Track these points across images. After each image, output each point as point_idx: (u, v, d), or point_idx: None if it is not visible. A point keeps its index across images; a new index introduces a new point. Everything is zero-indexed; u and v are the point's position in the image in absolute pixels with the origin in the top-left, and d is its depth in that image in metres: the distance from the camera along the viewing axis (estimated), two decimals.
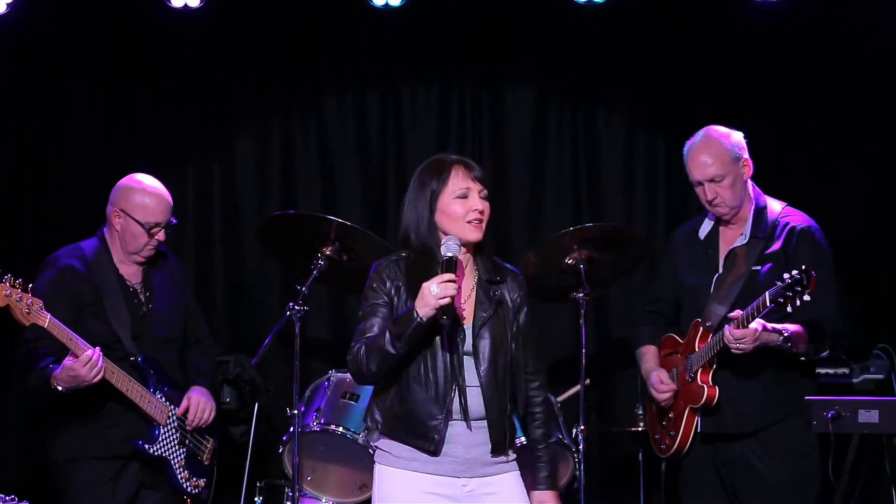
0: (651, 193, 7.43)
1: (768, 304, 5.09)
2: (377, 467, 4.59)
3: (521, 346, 4.60)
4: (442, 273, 4.36)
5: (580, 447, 6.26)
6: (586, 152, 7.47)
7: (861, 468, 6.61)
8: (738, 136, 5.56)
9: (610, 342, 7.38)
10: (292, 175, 7.49)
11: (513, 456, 4.59)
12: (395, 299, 4.52)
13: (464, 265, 4.55)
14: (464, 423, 4.47)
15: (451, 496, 4.51)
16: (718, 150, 5.50)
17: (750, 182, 5.59)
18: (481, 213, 4.50)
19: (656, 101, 7.39)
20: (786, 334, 5.23)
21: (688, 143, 5.61)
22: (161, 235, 5.70)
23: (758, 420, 5.42)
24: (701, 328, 5.52)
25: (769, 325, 5.21)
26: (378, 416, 4.57)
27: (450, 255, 4.42)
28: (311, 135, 7.50)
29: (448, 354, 4.46)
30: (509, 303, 4.59)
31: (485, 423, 4.49)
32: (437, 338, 4.47)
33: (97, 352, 5.33)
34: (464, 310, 4.52)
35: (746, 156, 5.54)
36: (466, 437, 4.48)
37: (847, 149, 7.17)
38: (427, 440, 4.46)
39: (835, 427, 5.28)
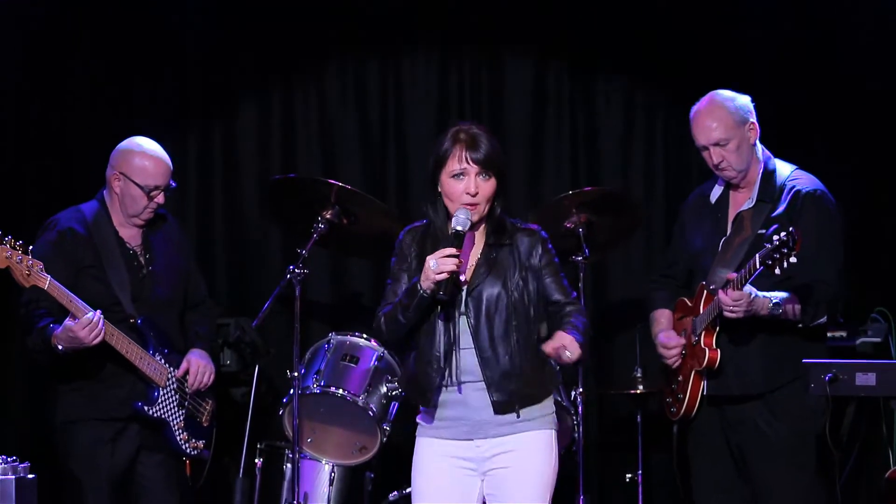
0: (649, 158, 7.42)
1: (758, 266, 5.10)
2: (417, 438, 4.70)
3: (542, 286, 4.62)
4: (449, 246, 4.42)
5: (579, 410, 6.30)
6: (585, 117, 7.47)
7: (859, 431, 6.66)
8: (743, 100, 5.55)
9: (608, 305, 7.40)
10: (293, 140, 7.49)
11: (536, 415, 4.59)
12: (414, 266, 4.60)
13: (473, 238, 4.58)
14: (469, 386, 4.52)
15: (470, 458, 4.58)
16: (723, 113, 5.49)
17: (759, 145, 5.58)
18: (473, 195, 4.50)
19: (655, 66, 7.37)
20: (775, 301, 5.25)
21: (693, 108, 5.60)
22: (161, 198, 5.71)
23: (763, 383, 5.44)
24: (705, 291, 5.53)
25: (760, 294, 5.24)
26: (401, 377, 4.73)
27: (458, 228, 4.46)
28: (312, 101, 7.50)
29: (447, 317, 4.52)
30: (514, 259, 4.60)
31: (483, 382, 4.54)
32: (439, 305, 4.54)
33: (98, 314, 5.35)
34: (467, 277, 4.56)
35: (753, 119, 5.53)
36: (473, 400, 4.54)
37: (851, 109, 7.13)
38: (422, 394, 4.57)
39: (832, 390, 5.29)
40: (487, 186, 4.53)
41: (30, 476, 5.03)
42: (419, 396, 4.60)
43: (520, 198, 7.41)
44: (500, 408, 4.53)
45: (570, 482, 6.26)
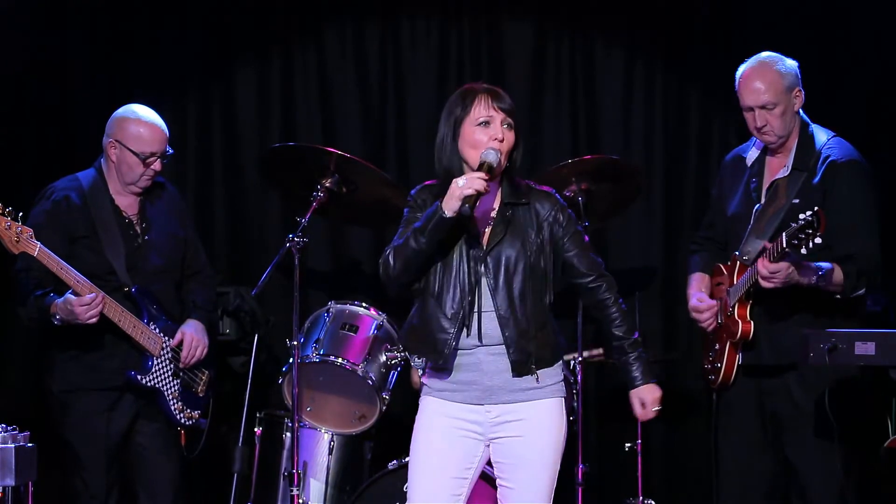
0: (649, 126, 7.40)
1: (784, 245, 5.07)
2: (420, 400, 4.70)
3: (565, 263, 4.62)
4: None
5: (578, 378, 6.30)
6: (584, 85, 7.43)
7: (859, 401, 6.65)
8: (792, 64, 5.50)
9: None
10: (292, 107, 7.46)
11: (548, 382, 4.60)
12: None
13: (490, 188, 4.50)
14: (485, 349, 4.52)
15: (478, 422, 4.57)
16: (774, 77, 5.43)
17: (801, 112, 5.54)
18: (501, 140, 4.50)
19: (655, 32, 7.34)
20: (820, 273, 5.22)
21: (742, 68, 5.53)
22: (157, 165, 5.69)
23: (797, 353, 5.41)
24: (738, 262, 5.50)
25: (804, 263, 5.20)
26: (406, 335, 4.67)
27: (489, 160, 4.44)
28: (311, 68, 7.47)
29: (465, 274, 4.51)
30: (533, 220, 4.59)
31: (503, 347, 4.52)
32: (455, 257, 4.52)
33: (100, 297, 5.36)
34: (485, 235, 4.55)
35: (800, 85, 5.49)
36: (487, 364, 4.53)
37: (860, 73, 7.09)
38: (437, 353, 4.53)
39: (831, 359, 5.29)
40: (511, 136, 4.55)
41: (29, 445, 5.04)
42: (432, 354, 4.55)
43: (519, 166, 7.39)
44: (518, 367, 4.52)
45: (569, 451, 6.23)
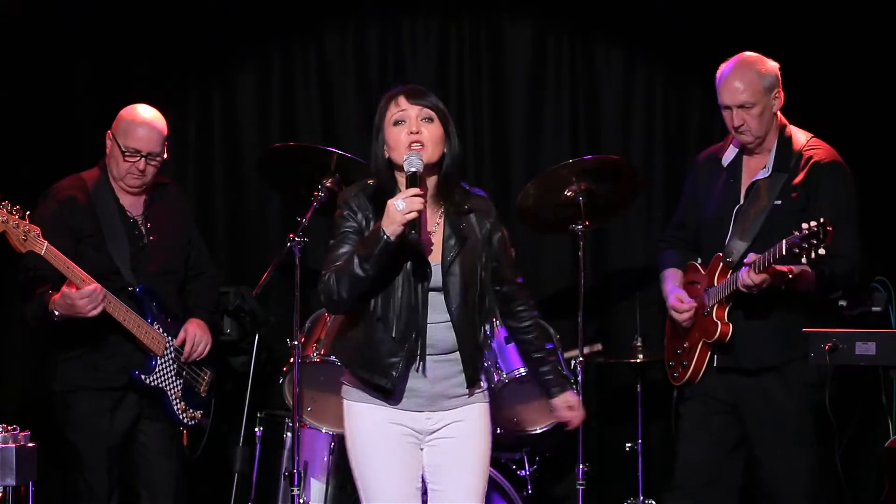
0: (649, 126, 7.40)
1: (783, 252, 5.06)
2: (345, 404, 4.60)
3: (493, 270, 4.56)
4: (406, 189, 4.31)
5: (578, 378, 6.30)
6: (584, 85, 7.44)
7: (858, 401, 6.66)
8: (773, 66, 5.51)
9: (608, 274, 7.39)
10: (292, 107, 7.47)
11: (482, 387, 4.59)
12: (364, 225, 4.45)
13: (427, 189, 4.45)
14: (431, 359, 4.44)
15: (416, 429, 4.52)
16: (752, 77, 5.44)
17: (778, 113, 5.55)
18: (416, 133, 4.41)
19: (655, 33, 7.35)
20: (790, 277, 5.23)
21: (722, 67, 5.53)
22: (141, 165, 5.64)
23: (774, 357, 5.42)
24: (721, 263, 5.50)
25: (778, 267, 5.20)
26: (341, 349, 4.59)
27: (413, 170, 4.35)
28: (312, 67, 7.48)
29: (413, 292, 4.41)
30: (478, 233, 4.53)
31: (452, 356, 4.47)
32: (400, 275, 4.41)
33: (101, 289, 5.35)
34: (431, 242, 4.47)
35: (779, 87, 5.49)
36: (432, 372, 4.46)
37: (852, 76, 7.11)
38: (385, 376, 4.43)
39: (832, 359, 5.30)
40: (432, 128, 4.44)
41: (30, 444, 5.03)
42: (379, 377, 4.43)
43: (519, 166, 7.40)
44: (471, 381, 4.51)
45: (570, 451, 6.27)
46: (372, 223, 4.42)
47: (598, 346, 6.66)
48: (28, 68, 7.07)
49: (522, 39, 7.48)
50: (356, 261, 4.32)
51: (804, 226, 5.00)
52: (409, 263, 4.41)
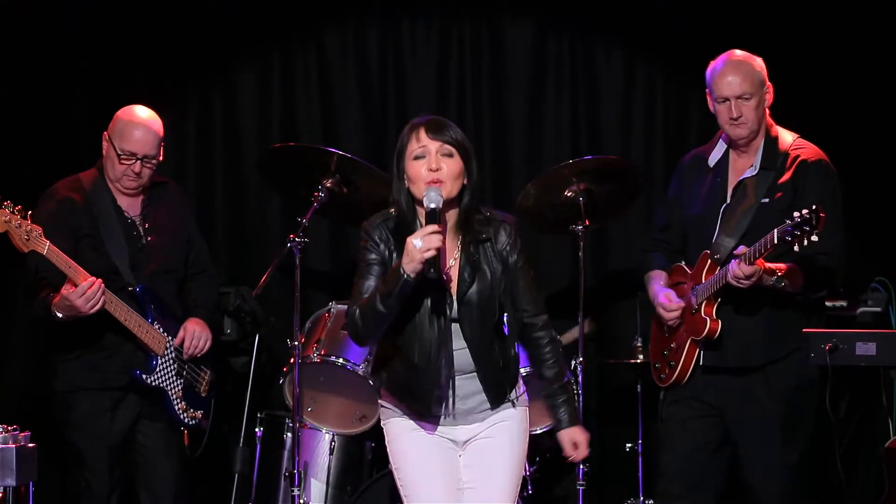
0: (649, 126, 7.41)
1: (776, 241, 5.07)
2: (385, 426, 4.64)
3: (514, 288, 4.57)
4: (425, 226, 4.32)
5: (579, 379, 6.31)
6: (584, 84, 7.45)
7: (859, 401, 6.67)
8: (761, 62, 5.53)
9: (608, 274, 7.40)
10: (292, 107, 7.48)
11: (514, 395, 4.61)
12: (389, 261, 4.47)
13: (446, 222, 4.47)
14: (459, 377, 4.48)
15: (454, 439, 4.56)
16: (749, 69, 5.46)
17: (766, 113, 5.56)
18: (435, 169, 4.40)
19: (655, 33, 7.35)
20: (779, 274, 5.24)
21: (717, 61, 5.54)
22: (136, 167, 5.64)
23: (762, 355, 5.41)
24: (709, 260, 5.50)
25: (766, 264, 5.21)
26: (383, 375, 4.59)
27: (432, 206, 4.34)
28: (312, 68, 7.48)
29: (437, 322, 4.44)
30: (495, 256, 4.53)
31: (476, 375, 4.51)
32: (423, 307, 4.43)
33: (97, 284, 5.35)
34: (449, 275, 4.48)
35: (769, 82, 5.53)
36: (460, 391, 4.50)
37: (850, 76, 7.11)
38: (422, 403, 4.50)
39: (832, 359, 5.30)
40: (452, 163, 4.43)
41: (30, 445, 5.04)
42: (418, 406, 4.52)
43: (519, 166, 7.40)
44: (496, 401, 4.54)
45: None
46: (395, 255, 4.44)
47: (593, 326, 6.67)
48: (28, 68, 7.07)
49: (522, 39, 7.49)
50: (378, 297, 4.35)
51: (796, 214, 5.00)
52: (431, 295, 4.44)
